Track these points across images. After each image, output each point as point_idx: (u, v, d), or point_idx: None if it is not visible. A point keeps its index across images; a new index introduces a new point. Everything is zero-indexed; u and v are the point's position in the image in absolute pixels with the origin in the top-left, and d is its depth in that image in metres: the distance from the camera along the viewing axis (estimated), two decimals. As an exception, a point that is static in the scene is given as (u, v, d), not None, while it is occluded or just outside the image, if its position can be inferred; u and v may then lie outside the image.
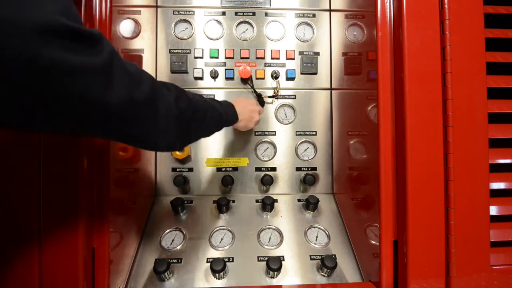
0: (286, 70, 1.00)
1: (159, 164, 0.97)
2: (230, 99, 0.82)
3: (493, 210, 0.62)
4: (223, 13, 1.01)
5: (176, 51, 0.99)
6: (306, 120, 1.01)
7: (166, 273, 0.72)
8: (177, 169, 0.97)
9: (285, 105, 1.01)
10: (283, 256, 0.80)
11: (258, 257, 0.80)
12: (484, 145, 0.62)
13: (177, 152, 0.94)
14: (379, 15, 0.68)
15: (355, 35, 0.86)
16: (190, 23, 1.00)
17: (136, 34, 0.85)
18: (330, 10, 1.02)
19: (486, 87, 0.62)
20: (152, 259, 0.77)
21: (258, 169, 0.99)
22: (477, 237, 0.61)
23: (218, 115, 0.68)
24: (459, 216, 0.60)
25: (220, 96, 0.99)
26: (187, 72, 0.98)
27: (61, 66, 0.29)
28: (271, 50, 1.00)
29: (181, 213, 0.90)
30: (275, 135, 1.00)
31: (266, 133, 1.00)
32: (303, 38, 1.02)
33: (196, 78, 0.98)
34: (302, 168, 1.00)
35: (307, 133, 1.01)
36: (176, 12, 0.99)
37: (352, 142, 0.88)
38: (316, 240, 0.86)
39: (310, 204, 0.91)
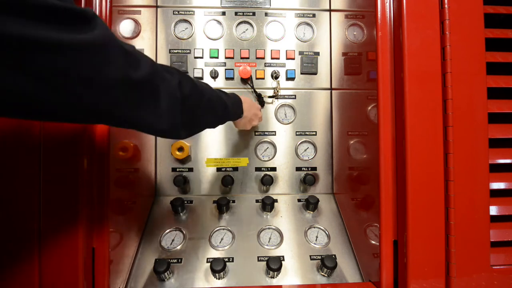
0: (286, 70, 1.00)
1: (159, 164, 0.97)
2: (230, 99, 0.82)
3: (493, 210, 0.62)
4: (223, 13, 1.01)
5: (176, 51, 0.99)
6: (306, 120, 1.01)
7: (166, 273, 0.72)
8: (177, 169, 0.97)
9: (285, 105, 1.01)
10: (283, 256, 0.80)
11: (258, 257, 0.80)
12: (484, 145, 0.62)
13: (177, 152, 0.94)
14: (379, 15, 0.68)
15: (355, 35, 0.86)
16: (190, 23, 1.00)
17: (136, 34, 0.85)
18: (330, 10, 1.02)
19: (486, 87, 0.62)
20: (152, 259, 0.77)
21: (258, 169, 0.99)
22: (477, 237, 0.61)
23: (224, 105, 0.66)
24: (459, 216, 0.60)
25: (220, 96, 0.99)
26: (187, 72, 0.98)
27: (45, 42, 0.29)
28: (271, 50, 1.00)
29: (181, 213, 0.90)
30: (275, 135, 1.00)
31: (266, 133, 1.00)
32: (303, 38, 1.02)
33: (196, 78, 0.98)
34: (302, 168, 1.00)
35: (307, 133, 1.01)
36: (176, 12, 0.99)
37: (352, 142, 0.88)
38: (316, 240, 0.86)
39: (310, 204, 0.91)
